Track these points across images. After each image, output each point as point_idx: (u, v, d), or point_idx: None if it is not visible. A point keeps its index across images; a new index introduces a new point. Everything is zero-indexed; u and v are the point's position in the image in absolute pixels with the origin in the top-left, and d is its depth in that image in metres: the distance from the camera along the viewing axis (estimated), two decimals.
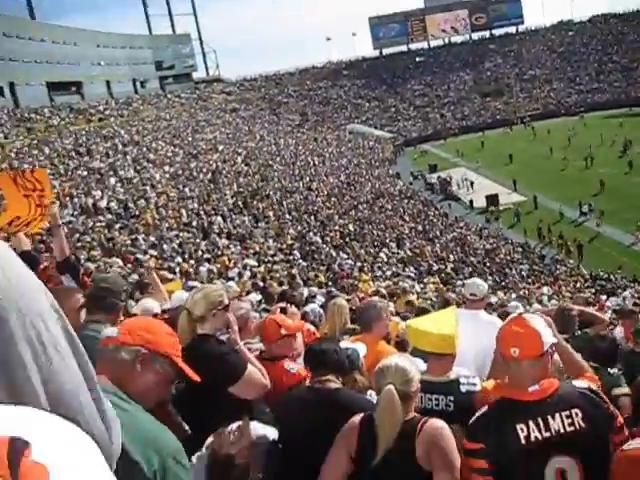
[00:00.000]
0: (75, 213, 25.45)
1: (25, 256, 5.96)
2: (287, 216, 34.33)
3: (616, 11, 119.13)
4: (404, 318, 7.56)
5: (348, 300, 6.76)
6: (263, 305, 8.58)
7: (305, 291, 12.38)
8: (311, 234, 30.13)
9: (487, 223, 46.89)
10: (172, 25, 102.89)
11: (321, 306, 10.18)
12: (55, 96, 64.51)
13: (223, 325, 3.96)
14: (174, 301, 6.52)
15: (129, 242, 20.80)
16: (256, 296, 10.05)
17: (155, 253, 18.67)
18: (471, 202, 52.07)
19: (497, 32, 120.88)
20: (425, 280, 24.13)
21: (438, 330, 3.67)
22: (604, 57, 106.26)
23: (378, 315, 4.77)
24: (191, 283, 11.57)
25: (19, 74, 59.55)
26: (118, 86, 78.84)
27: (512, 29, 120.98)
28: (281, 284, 14.16)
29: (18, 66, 59.73)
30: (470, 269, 30.97)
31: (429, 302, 12.71)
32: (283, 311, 4.99)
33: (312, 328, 5.70)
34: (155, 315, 4.97)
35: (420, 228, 40.08)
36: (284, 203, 37.55)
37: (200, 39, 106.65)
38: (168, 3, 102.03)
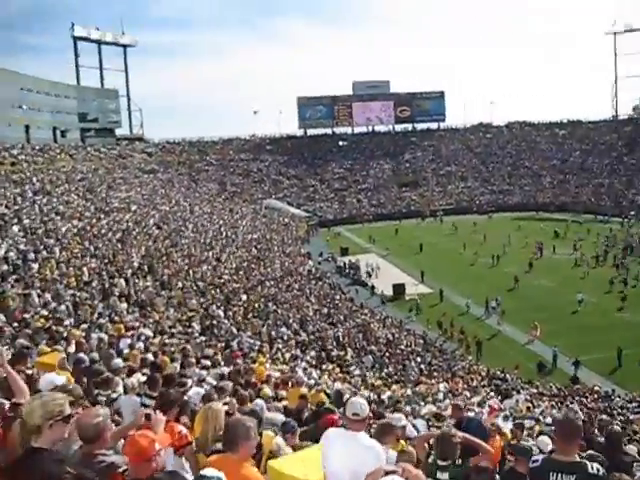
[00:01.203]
0: None
1: None
2: (193, 286, 33.75)
3: (531, 120, 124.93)
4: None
5: (226, 403, 6.44)
6: (145, 389, 8.17)
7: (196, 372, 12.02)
8: (214, 307, 29.62)
9: (383, 305, 47.77)
10: (101, 78, 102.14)
11: (214, 387, 9.86)
12: None
13: (61, 438, 3.63)
14: (43, 385, 6.11)
15: (21, 297, 19.92)
16: (141, 377, 9.65)
17: (46, 313, 17.86)
18: (372, 288, 52.78)
19: (419, 126, 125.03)
20: (323, 367, 23.91)
21: (304, 476, 3.43)
22: (517, 161, 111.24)
23: (246, 435, 4.40)
24: (81, 355, 11.07)
25: None
26: (37, 132, 77.17)
27: (434, 125, 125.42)
28: (173, 360, 13.71)
29: None
30: (371, 357, 30.95)
31: (323, 395, 12.44)
32: (147, 418, 4.62)
33: (184, 430, 5.35)
34: None
35: (325, 311, 39.98)
36: (191, 272, 36.95)
37: (128, 96, 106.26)
38: (100, 56, 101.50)
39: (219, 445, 4.74)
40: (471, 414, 13.31)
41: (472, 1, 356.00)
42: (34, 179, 50.03)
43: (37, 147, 69.03)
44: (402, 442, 7.65)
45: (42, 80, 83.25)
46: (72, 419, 3.75)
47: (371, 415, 10.36)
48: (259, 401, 9.02)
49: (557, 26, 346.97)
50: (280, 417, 8.29)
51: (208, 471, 3.64)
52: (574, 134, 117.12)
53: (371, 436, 6.44)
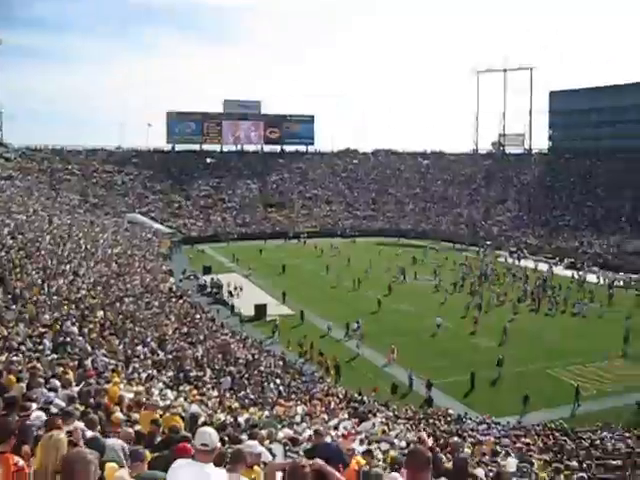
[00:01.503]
0: None
1: None
2: (47, 300, 32.32)
3: (396, 149, 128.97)
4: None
5: (69, 432, 6.02)
6: None
7: (44, 393, 11.42)
8: (69, 323, 28.43)
9: (242, 324, 48.23)
10: None
11: (60, 411, 9.36)
12: None
13: None
14: None
15: None
16: None
17: None
18: (232, 308, 52.76)
19: (288, 148, 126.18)
20: (180, 388, 23.40)
21: None
22: (382, 188, 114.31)
23: (85, 470, 4.09)
24: None
25: None
26: None
27: (302, 148, 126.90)
28: (19, 380, 12.98)
29: None
30: (229, 379, 30.58)
31: (177, 418, 12.10)
32: None
33: (20, 462, 4.96)
34: None
35: (185, 330, 39.28)
36: (45, 285, 35.40)
37: None
38: None
39: (59, 478, 4.41)
40: (328, 439, 13.32)
41: (344, 31, 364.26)
42: None
43: None
44: (257, 468, 7.50)
45: None
46: None
47: (227, 439, 10.18)
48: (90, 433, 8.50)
49: (429, 61, 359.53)
50: (119, 444, 7.89)
51: None
52: (436, 165, 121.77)
53: (226, 463, 6.26)
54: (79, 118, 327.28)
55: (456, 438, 20.44)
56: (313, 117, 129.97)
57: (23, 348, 19.60)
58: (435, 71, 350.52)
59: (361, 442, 15.92)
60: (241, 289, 57.89)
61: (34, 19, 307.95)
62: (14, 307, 27.90)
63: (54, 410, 9.73)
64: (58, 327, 26.87)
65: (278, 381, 33.20)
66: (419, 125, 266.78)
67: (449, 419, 29.75)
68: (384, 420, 25.89)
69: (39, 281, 35.76)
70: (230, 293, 56.86)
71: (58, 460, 4.54)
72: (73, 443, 5.51)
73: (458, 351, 41.77)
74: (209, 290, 59.19)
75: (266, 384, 31.70)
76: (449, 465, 9.78)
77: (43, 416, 8.36)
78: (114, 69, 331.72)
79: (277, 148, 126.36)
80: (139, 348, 29.47)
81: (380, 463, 11.58)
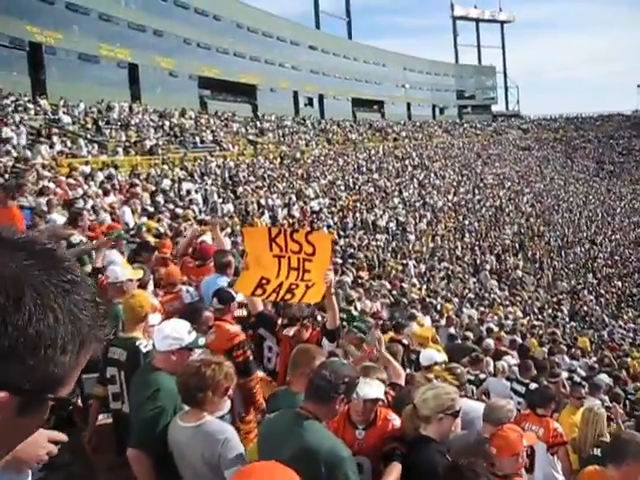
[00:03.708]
0: (354, 227, 26.41)
1: (261, 316, 6.14)
2: (564, 268, 32.95)
3: None
4: None
5: (608, 408, 6.01)
6: (517, 375, 8.23)
7: (565, 361, 11.81)
8: (585, 292, 28.62)
9: None
10: (479, 56, 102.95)
11: (582, 379, 9.62)
12: (357, 112, 67.49)
13: (448, 432, 3.79)
14: (423, 360, 6.45)
15: (400, 267, 21.15)
16: (511, 360, 9.70)
17: (418, 285, 18.68)
18: None
19: None
20: None
21: None
22: None
23: (637, 455, 3.89)
24: (453, 331, 11.51)
25: (329, 88, 63.29)
26: (417, 109, 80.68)
27: None
28: (542, 345, 13.61)
29: (329, 80, 63.56)
30: None
31: None
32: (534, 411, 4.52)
33: (560, 429, 5.19)
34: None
35: None
36: (563, 253, 36.07)
37: (505, 73, 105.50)
38: (478, 34, 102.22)
39: (598, 451, 4.52)
40: None
41: None
42: (414, 154, 52.34)
43: (417, 123, 72.05)
44: None
45: (423, 60, 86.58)
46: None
47: None
48: None
49: None
50: None
51: None
52: None
53: None
54: (594, 84, 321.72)
55: None
56: None
57: (544, 314, 20.36)
58: None
59: None
60: None
61: None
62: (533, 273, 29.08)
63: (577, 379, 10.01)
64: (575, 295, 27.29)
65: None
66: None
67: None
68: None
69: (556, 248, 36.57)
70: None
71: (597, 434, 4.70)
72: (610, 419, 5.63)
73: None
74: None
75: None
76: None
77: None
78: (620, 32, 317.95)
79: None
80: None
81: None
